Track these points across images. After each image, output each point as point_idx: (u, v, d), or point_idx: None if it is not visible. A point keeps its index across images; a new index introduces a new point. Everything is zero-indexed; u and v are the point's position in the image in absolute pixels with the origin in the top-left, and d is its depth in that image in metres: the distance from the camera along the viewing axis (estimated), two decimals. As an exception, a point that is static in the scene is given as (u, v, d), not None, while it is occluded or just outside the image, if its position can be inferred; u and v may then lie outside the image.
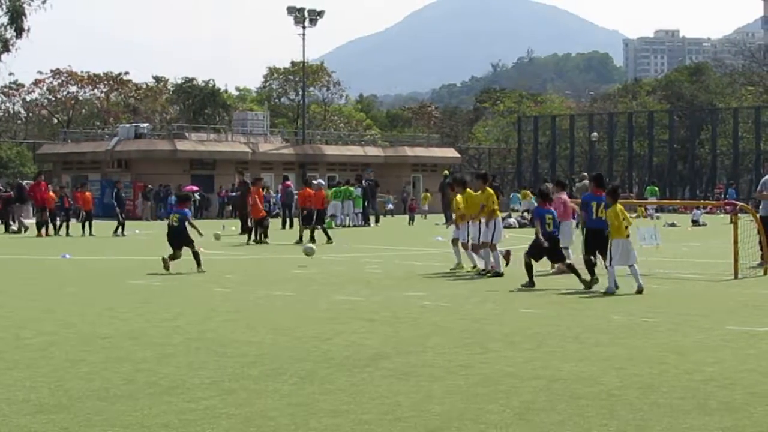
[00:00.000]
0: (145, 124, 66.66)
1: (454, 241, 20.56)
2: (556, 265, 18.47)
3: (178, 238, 20.72)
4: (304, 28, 68.32)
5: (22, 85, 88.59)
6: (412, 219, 50.26)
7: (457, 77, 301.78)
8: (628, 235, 16.46)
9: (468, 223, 19.82)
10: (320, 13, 69.01)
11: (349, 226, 44.56)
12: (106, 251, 27.51)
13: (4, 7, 65.71)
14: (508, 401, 8.06)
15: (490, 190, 19.62)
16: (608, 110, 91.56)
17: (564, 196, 20.62)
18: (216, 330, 12.05)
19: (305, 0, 69.63)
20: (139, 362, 9.80)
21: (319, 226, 30.66)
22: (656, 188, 61.43)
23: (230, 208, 57.86)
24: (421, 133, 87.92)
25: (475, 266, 19.70)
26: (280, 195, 46.30)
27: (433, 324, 12.52)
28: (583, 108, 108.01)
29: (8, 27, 66.17)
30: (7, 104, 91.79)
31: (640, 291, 15.89)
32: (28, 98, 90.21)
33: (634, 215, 52.37)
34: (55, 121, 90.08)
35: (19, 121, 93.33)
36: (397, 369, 9.44)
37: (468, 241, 19.88)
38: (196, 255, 20.36)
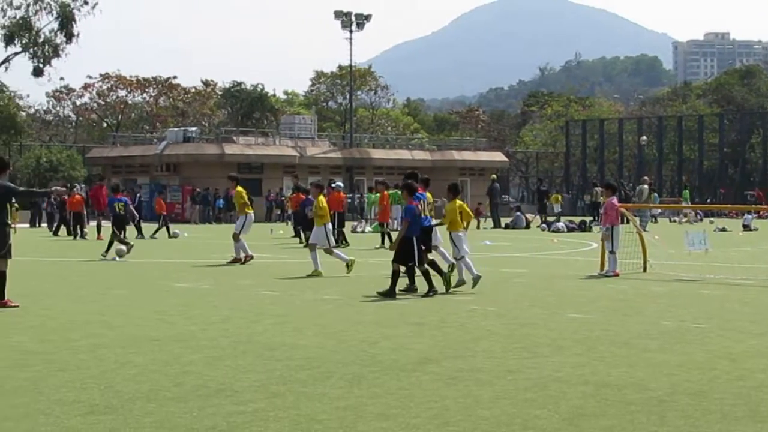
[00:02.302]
0: (194, 128, 67.15)
1: (311, 247, 20.93)
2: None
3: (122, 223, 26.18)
4: (351, 32, 68.46)
5: (72, 90, 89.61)
6: (478, 223, 49.46)
7: (505, 81, 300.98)
8: (465, 228, 17.61)
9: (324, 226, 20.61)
10: (367, 17, 69.06)
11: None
12: (154, 254, 27.71)
13: (54, 12, 66.58)
14: (557, 406, 8.00)
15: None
16: (657, 114, 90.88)
17: (615, 200, 20.42)
18: (264, 333, 12.08)
19: (352, 4, 69.93)
20: (187, 365, 9.85)
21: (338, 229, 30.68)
22: (688, 191, 61.88)
23: (279, 211, 58.01)
24: (468, 137, 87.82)
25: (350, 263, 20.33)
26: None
27: (481, 328, 12.47)
28: (632, 112, 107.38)
29: (59, 32, 67.09)
30: (58, 108, 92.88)
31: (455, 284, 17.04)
32: (78, 102, 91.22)
33: (684, 219, 51.91)
34: (105, 124, 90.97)
35: (69, 125, 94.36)
36: (445, 373, 9.41)
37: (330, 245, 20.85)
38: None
